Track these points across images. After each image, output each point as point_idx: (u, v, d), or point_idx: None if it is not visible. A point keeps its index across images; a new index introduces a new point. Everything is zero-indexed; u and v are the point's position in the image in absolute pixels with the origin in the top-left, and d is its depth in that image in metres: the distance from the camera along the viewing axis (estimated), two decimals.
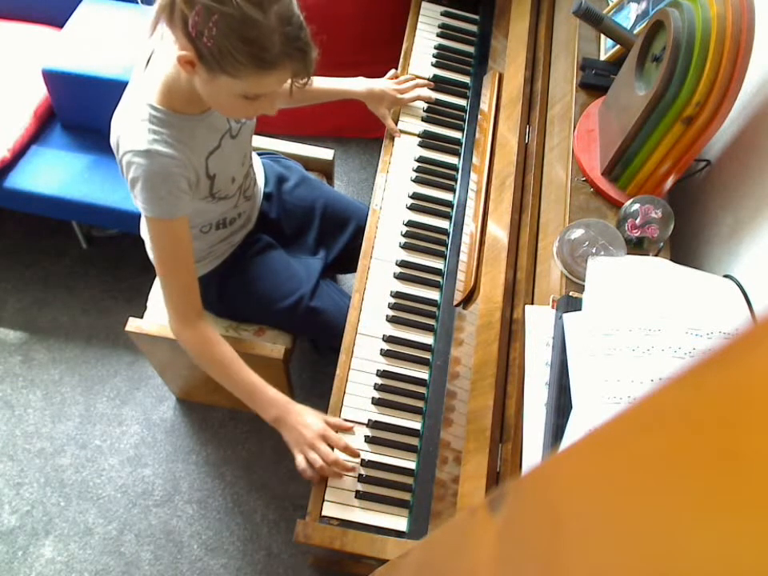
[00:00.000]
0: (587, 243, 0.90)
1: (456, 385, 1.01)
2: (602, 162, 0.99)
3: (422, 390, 1.05)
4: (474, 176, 1.22)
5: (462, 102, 1.36)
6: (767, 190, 0.86)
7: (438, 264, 1.18)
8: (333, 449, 0.97)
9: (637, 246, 0.92)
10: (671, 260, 0.89)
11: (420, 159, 1.27)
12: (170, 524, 1.54)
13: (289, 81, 0.88)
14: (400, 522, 0.95)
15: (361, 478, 0.97)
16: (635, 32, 1.06)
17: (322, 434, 0.97)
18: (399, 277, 1.14)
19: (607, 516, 0.23)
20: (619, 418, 0.24)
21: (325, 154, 1.52)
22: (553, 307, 0.87)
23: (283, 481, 1.59)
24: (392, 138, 1.30)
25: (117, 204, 1.58)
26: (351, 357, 1.06)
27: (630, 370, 0.73)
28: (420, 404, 1.04)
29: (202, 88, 0.88)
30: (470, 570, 0.38)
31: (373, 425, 1.01)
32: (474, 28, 1.46)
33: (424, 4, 1.46)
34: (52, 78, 1.57)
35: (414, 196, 1.23)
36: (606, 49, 1.13)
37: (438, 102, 1.35)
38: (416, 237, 1.19)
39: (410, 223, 1.20)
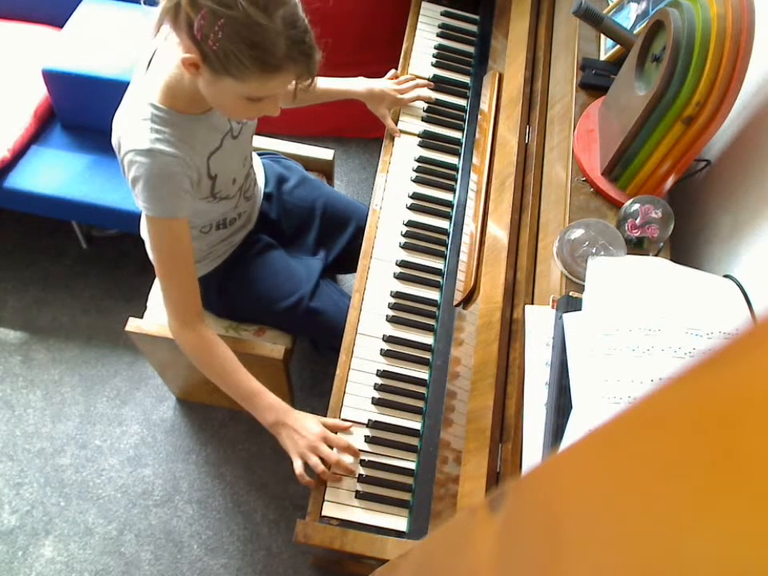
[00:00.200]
0: (587, 243, 0.90)
1: (456, 385, 1.01)
2: (602, 162, 0.99)
3: (422, 390, 1.05)
4: (474, 176, 1.22)
5: (462, 102, 1.36)
6: (767, 190, 0.86)
7: (438, 264, 1.18)
8: (333, 451, 0.97)
9: (637, 246, 0.92)
10: (671, 260, 0.89)
11: (420, 159, 1.27)
12: (170, 524, 1.54)
13: (293, 83, 0.88)
14: (400, 522, 0.95)
15: (361, 478, 0.97)
16: (635, 32, 1.06)
17: (323, 437, 0.97)
18: (399, 277, 1.14)
19: (607, 516, 0.23)
20: (619, 418, 0.24)
21: (325, 154, 1.52)
22: (553, 307, 0.87)
23: (283, 481, 1.59)
24: (392, 138, 1.30)
25: (117, 204, 1.58)
26: (351, 357, 1.06)
27: (630, 370, 0.73)
28: (420, 404, 1.04)
29: (205, 89, 0.89)
30: (470, 569, 0.38)
31: (373, 425, 1.01)
32: (474, 28, 1.46)
33: (424, 4, 1.46)
34: (52, 78, 1.57)
35: (414, 196, 1.23)
36: (606, 49, 1.13)
37: (438, 102, 1.35)
38: (416, 237, 1.19)
39: (410, 223, 1.20)
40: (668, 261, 0.86)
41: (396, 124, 1.31)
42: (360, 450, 0.99)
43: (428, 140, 1.30)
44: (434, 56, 1.40)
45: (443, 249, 1.19)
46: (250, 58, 0.81)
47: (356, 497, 0.96)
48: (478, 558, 0.37)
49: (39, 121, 1.67)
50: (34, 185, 1.60)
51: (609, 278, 0.81)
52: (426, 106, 1.34)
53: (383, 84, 1.32)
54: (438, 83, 1.37)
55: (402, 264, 1.16)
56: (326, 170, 1.55)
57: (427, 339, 1.10)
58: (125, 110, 0.96)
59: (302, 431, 0.98)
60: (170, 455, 1.63)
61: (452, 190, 1.26)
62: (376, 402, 1.03)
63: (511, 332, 0.92)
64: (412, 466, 1.00)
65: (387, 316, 1.10)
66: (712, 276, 0.84)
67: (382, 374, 1.05)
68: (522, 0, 1.30)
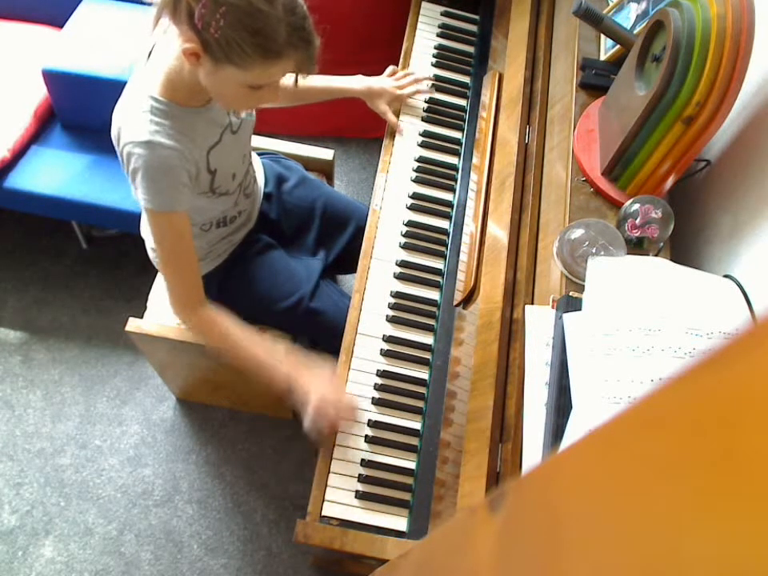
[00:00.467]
0: (587, 243, 0.90)
1: (456, 385, 1.01)
2: (602, 162, 0.99)
3: (422, 390, 1.05)
4: (474, 176, 1.22)
5: (462, 102, 1.36)
6: (767, 190, 0.86)
7: (438, 264, 1.18)
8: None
9: (637, 246, 0.92)
10: (671, 260, 0.89)
11: (420, 159, 1.27)
12: (170, 524, 1.54)
13: (294, 73, 0.89)
14: (400, 522, 0.95)
15: (361, 478, 0.97)
16: (635, 32, 1.06)
17: (331, 401, 0.98)
18: (399, 277, 1.14)
19: (607, 516, 0.23)
20: (619, 418, 0.24)
21: (325, 154, 1.52)
22: (553, 307, 0.87)
23: (283, 481, 1.59)
24: (392, 138, 1.30)
25: (117, 204, 1.58)
26: (351, 357, 1.06)
27: (630, 369, 0.73)
28: (420, 404, 1.04)
29: (206, 79, 0.89)
30: (470, 569, 0.38)
31: (373, 425, 1.01)
32: (474, 28, 1.46)
33: (424, 4, 1.46)
34: (52, 78, 1.57)
35: (414, 196, 1.23)
36: (606, 49, 1.13)
37: (438, 101, 1.35)
38: (416, 237, 1.19)
39: (410, 223, 1.20)
40: (668, 261, 0.86)
41: None
42: (360, 450, 0.99)
43: (428, 140, 1.30)
44: (433, 56, 1.40)
45: (443, 249, 1.19)
46: (252, 45, 0.81)
47: (356, 497, 0.96)
48: (478, 558, 0.37)
49: (39, 121, 1.67)
50: (34, 185, 1.60)
51: (609, 278, 0.81)
52: (426, 105, 1.34)
53: (382, 81, 1.32)
54: (438, 83, 1.37)
55: (402, 264, 1.16)
56: (326, 170, 1.55)
57: (427, 339, 1.10)
58: (124, 103, 0.96)
59: (316, 390, 0.98)
60: (170, 455, 1.63)
61: (452, 190, 1.26)
62: (376, 402, 1.03)
63: (511, 332, 0.92)
64: (412, 465, 1.00)
65: (387, 316, 1.10)
66: (712, 276, 0.84)
67: (382, 374, 1.05)
68: (521, 0, 1.30)
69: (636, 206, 0.91)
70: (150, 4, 0.85)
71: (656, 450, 0.20)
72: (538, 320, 0.85)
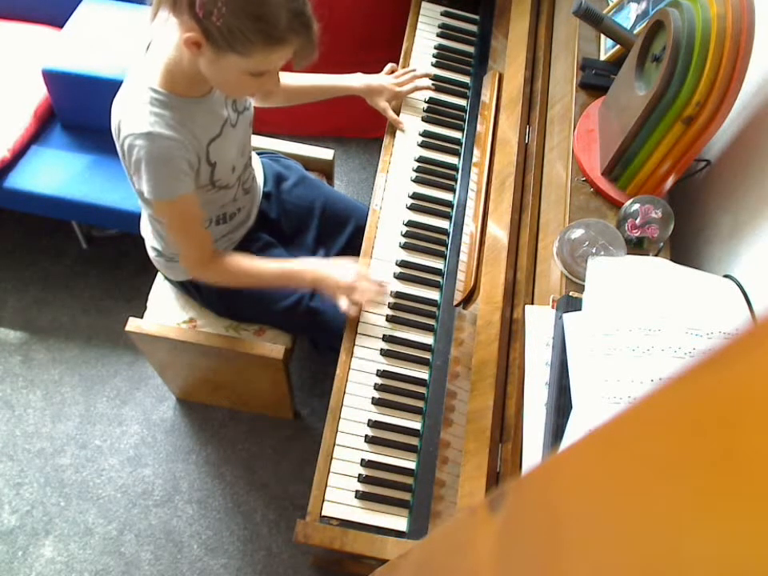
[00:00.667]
0: (587, 243, 0.90)
1: (456, 385, 1.01)
2: (602, 162, 0.99)
3: (422, 390, 1.05)
4: (473, 176, 1.22)
5: (462, 101, 1.36)
6: (767, 190, 0.86)
7: (438, 264, 1.18)
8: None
9: (637, 246, 0.92)
10: (671, 260, 0.89)
11: (420, 159, 1.27)
12: (170, 524, 1.54)
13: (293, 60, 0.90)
14: (400, 522, 0.95)
15: (361, 478, 0.97)
16: (635, 32, 1.06)
17: (358, 272, 1.08)
18: (399, 277, 1.14)
19: (607, 516, 0.23)
20: (619, 418, 0.24)
21: (325, 154, 1.52)
22: (553, 307, 0.87)
23: (283, 481, 1.59)
24: (392, 138, 1.30)
25: (117, 204, 1.58)
26: (351, 357, 1.06)
27: (630, 369, 0.73)
28: (420, 404, 1.04)
29: (207, 68, 0.89)
30: (470, 569, 0.38)
31: (373, 425, 1.01)
32: (474, 28, 1.46)
33: (424, 4, 1.46)
34: (52, 78, 1.57)
35: (414, 196, 1.23)
36: (606, 49, 1.13)
37: (438, 101, 1.35)
38: (416, 237, 1.19)
39: (410, 223, 1.20)
40: (668, 261, 0.86)
41: None
42: (360, 450, 0.99)
43: (428, 140, 1.30)
44: (433, 56, 1.40)
45: (443, 249, 1.19)
46: (255, 31, 0.82)
47: (356, 497, 0.96)
48: (478, 558, 0.37)
49: (39, 121, 1.67)
50: (34, 185, 1.60)
51: (609, 278, 0.81)
52: (426, 105, 1.34)
53: (381, 78, 1.32)
54: (438, 83, 1.37)
55: (402, 264, 1.16)
56: (326, 169, 1.55)
57: (427, 339, 1.10)
58: (124, 95, 0.97)
59: (340, 276, 1.08)
60: (170, 455, 1.63)
61: (452, 189, 1.26)
62: (376, 402, 1.03)
63: (511, 332, 0.92)
64: (412, 465, 1.00)
65: (387, 316, 1.10)
66: (712, 276, 0.84)
67: (382, 374, 1.05)
68: (521, 0, 1.30)
69: (636, 206, 0.91)
70: (150, 4, 0.85)
71: (656, 450, 0.20)
72: (538, 320, 0.85)
